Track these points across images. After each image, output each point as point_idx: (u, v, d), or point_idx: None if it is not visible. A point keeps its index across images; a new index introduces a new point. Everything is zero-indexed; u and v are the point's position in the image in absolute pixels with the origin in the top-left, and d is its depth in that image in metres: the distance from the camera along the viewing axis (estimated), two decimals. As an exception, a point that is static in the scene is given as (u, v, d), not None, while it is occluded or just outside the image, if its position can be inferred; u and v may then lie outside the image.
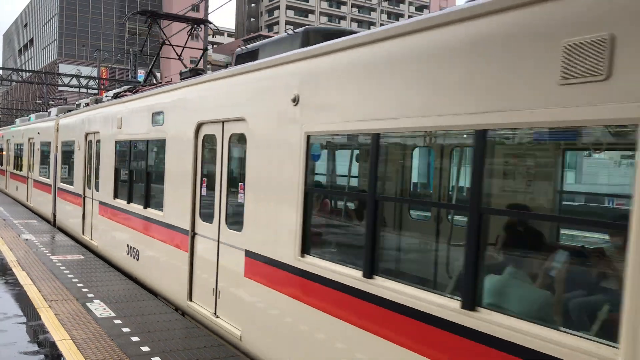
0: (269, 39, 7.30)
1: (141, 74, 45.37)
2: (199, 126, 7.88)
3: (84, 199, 14.04)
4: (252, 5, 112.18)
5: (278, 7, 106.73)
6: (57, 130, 17.26)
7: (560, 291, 4.07)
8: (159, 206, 9.20)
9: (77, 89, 41.64)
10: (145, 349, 6.47)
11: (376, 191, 4.59)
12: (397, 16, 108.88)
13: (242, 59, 7.41)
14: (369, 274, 4.55)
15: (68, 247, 12.95)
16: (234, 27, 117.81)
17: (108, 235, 12.02)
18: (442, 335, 3.87)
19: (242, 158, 6.78)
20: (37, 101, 58.51)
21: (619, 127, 3.19)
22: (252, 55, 7.21)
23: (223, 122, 7.27)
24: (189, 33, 14.97)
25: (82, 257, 11.85)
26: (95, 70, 53.31)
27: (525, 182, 5.05)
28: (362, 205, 5.21)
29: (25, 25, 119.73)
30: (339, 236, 5.86)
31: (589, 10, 3.10)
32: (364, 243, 4.64)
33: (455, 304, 3.80)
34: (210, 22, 14.04)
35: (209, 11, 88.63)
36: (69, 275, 10.03)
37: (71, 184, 15.31)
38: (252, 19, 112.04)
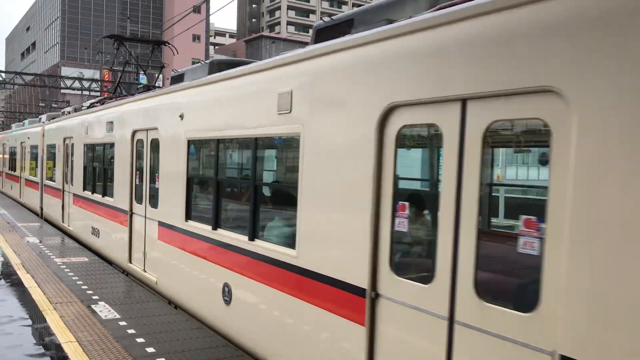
0: (190, 67, 9.53)
1: (143, 76, 45.47)
2: (133, 133, 10.62)
3: (63, 192, 16.82)
4: (254, 6, 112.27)
5: (279, 8, 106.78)
6: (43, 135, 20.05)
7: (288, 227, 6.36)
8: (112, 194, 11.93)
9: (79, 92, 41.75)
10: (150, 350, 6.49)
11: (218, 175, 7.61)
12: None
13: (174, 80, 9.76)
14: (214, 227, 7.49)
15: (72, 250, 12.98)
16: (235, 28, 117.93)
17: (80, 221, 14.80)
18: (237, 256, 6.87)
19: (158, 155, 9.49)
20: (40, 104, 58.66)
21: (293, 136, 5.87)
22: (180, 78, 9.53)
23: (147, 130, 10.00)
24: (151, 51, 18.51)
25: (86, 259, 11.88)
26: (97, 73, 53.44)
27: (275, 166, 7.59)
28: (211, 185, 7.82)
29: (28, 28, 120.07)
30: (201, 206, 8.36)
31: (285, 77, 5.97)
32: (212, 209, 7.61)
33: (245, 238, 6.69)
34: (170, 44, 16.47)
35: (211, 12, 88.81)
36: (74, 278, 10.05)
37: (54, 180, 18.13)
38: (254, 20, 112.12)
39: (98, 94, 41.68)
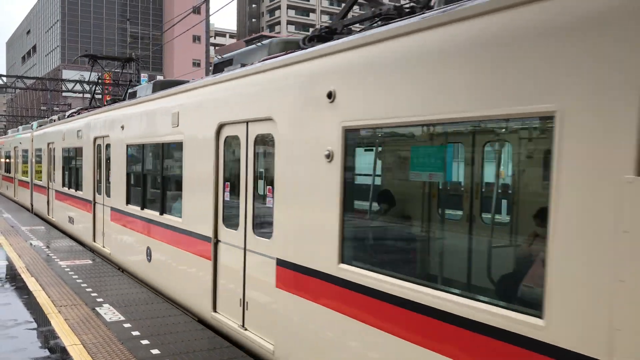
0: (140, 85, 11.54)
1: (144, 78, 45.49)
2: (95, 139, 13.37)
3: (48, 189, 19.47)
4: (254, 5, 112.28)
5: (279, 7, 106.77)
6: (32, 141, 22.73)
7: (179, 204, 8.73)
8: (80, 187, 14.98)
9: (80, 95, 41.80)
10: (155, 351, 6.50)
11: (143, 170, 10.25)
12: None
13: (130, 95, 12.10)
14: (142, 207, 10.19)
15: (76, 253, 13.01)
16: (235, 28, 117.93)
17: (61, 212, 17.49)
18: (154, 227, 9.44)
19: (109, 157, 12.23)
20: (42, 107, 58.74)
21: (180, 142, 8.50)
22: (134, 94, 11.69)
23: (104, 137, 12.73)
24: (122, 68, 21.39)
25: (90, 261, 11.91)
26: (98, 75, 53.41)
27: (173, 162, 9.23)
28: (140, 178, 10.60)
29: (28, 32, 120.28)
30: (136, 193, 10.48)
31: (175, 103, 8.59)
32: (140, 195, 10.27)
33: (157, 213, 9.41)
34: (138, 59, 18.04)
35: (211, 13, 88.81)
36: (78, 280, 10.08)
37: (41, 180, 20.87)
38: (254, 20, 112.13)
39: (99, 96, 41.71)
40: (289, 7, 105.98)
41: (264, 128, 6.35)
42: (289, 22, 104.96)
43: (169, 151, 9.23)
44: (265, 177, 6.66)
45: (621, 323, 2.92)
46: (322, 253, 5.20)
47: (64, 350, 6.46)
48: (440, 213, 4.91)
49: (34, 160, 22.15)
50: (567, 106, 3.18)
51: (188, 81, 9.39)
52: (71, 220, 16.00)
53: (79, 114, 16.55)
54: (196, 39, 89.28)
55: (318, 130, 5.33)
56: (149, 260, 9.85)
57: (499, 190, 4.47)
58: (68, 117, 17.88)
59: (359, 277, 4.75)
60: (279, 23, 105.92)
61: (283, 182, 5.86)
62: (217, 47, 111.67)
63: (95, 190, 13.46)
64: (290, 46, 6.95)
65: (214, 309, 7.44)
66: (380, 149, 5.21)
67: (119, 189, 11.49)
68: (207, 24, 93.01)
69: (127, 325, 7.48)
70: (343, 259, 4.99)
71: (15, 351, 6.45)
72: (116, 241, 11.76)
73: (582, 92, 3.11)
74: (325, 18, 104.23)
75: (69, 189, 16.22)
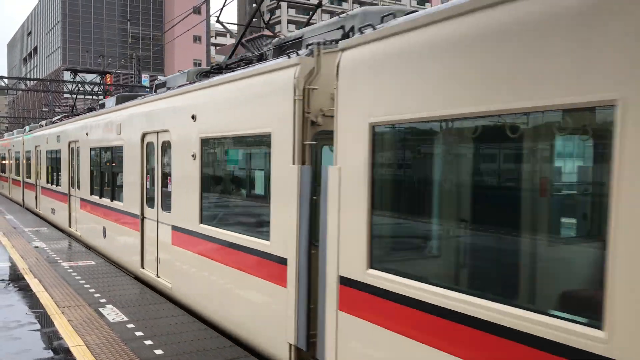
0: (107, 99, 14.54)
1: (145, 78, 45.50)
2: (69, 143, 16.45)
3: (36, 187, 22.58)
4: (254, 5, 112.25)
5: (279, 7, 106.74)
6: (23, 144, 25.87)
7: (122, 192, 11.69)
8: (59, 184, 17.99)
9: (82, 96, 41.80)
10: (158, 352, 6.51)
11: (101, 168, 13.17)
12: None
13: (100, 106, 14.91)
14: (100, 196, 13.21)
15: (79, 254, 13.03)
16: (236, 28, 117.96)
17: (45, 204, 20.62)
18: (107, 211, 12.59)
19: (79, 157, 15.20)
20: (43, 109, 58.78)
21: (122, 146, 11.66)
22: (103, 105, 14.60)
23: (75, 142, 15.74)
24: (101, 81, 22.71)
25: (93, 262, 11.93)
26: (99, 77, 53.47)
27: (118, 162, 12.02)
28: (98, 174, 13.58)
29: (29, 34, 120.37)
30: (96, 185, 13.92)
31: (118, 116, 11.93)
32: (99, 186, 13.57)
33: (109, 200, 12.46)
34: (111, 73, 19.76)
35: (211, 13, 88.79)
36: (81, 281, 10.09)
37: (30, 178, 24.05)
38: (254, 19, 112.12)
39: (101, 97, 41.74)
40: (290, 6, 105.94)
41: (166, 136, 9.31)
42: (289, 22, 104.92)
43: (116, 153, 12.08)
44: (166, 170, 9.56)
45: None
46: (191, 217, 8.25)
47: (67, 351, 6.47)
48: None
49: (24, 161, 25.56)
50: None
51: (141, 94, 12.87)
52: (53, 211, 19.24)
53: (61, 120, 19.81)
54: (197, 39, 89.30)
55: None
56: (105, 237, 12.91)
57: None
58: (53, 123, 21.22)
59: (209, 231, 7.71)
60: (279, 22, 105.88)
61: (174, 174, 8.91)
62: (217, 47, 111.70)
63: (70, 185, 16.48)
64: (125, 99, 11.30)
65: (142, 266, 10.48)
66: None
67: (85, 183, 14.67)
68: (208, 24, 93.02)
69: (130, 325, 7.48)
70: (202, 220, 7.94)
71: (19, 352, 6.46)
72: (84, 225, 14.94)
73: None
74: (326, 17, 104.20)
75: (51, 185, 19.29)
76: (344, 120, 5.00)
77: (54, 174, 18.90)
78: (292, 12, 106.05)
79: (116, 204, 11.98)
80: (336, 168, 5.06)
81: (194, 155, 8.14)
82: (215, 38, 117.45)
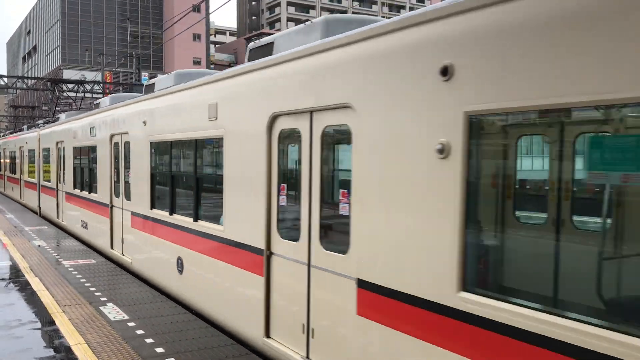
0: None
1: (145, 77, 45.45)
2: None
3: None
4: (253, 3, 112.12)
5: (279, 4, 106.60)
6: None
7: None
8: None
9: (82, 94, 41.77)
10: (160, 350, 6.51)
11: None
12: (399, 8, 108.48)
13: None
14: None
15: (79, 252, 13.03)
16: (235, 26, 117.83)
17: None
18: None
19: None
20: (43, 108, 58.75)
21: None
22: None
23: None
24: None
25: (93, 261, 11.93)
26: (99, 75, 53.49)
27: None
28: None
29: (28, 32, 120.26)
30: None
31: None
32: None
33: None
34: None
35: (210, 11, 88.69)
36: (82, 280, 10.09)
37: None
38: (254, 17, 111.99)
39: (100, 95, 41.73)
40: (289, 4, 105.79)
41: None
42: (289, 19, 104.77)
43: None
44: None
45: None
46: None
47: (68, 350, 6.48)
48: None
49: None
50: None
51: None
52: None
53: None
54: (196, 37, 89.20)
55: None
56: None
57: None
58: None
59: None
60: (279, 20, 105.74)
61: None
62: (217, 46, 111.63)
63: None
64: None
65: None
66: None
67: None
68: (207, 22, 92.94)
69: (131, 324, 7.49)
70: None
71: (21, 351, 6.46)
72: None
73: None
74: (326, 14, 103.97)
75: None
76: None
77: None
78: (292, 9, 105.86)
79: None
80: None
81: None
82: (215, 36, 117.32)
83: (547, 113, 3.36)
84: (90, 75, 59.43)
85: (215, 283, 7.43)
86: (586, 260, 3.41)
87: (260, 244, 6.27)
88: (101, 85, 39.98)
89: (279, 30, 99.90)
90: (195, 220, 8.24)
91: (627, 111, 3.00)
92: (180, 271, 8.72)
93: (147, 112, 10.02)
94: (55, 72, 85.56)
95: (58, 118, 20.93)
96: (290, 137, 5.95)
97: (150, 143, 9.83)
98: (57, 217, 18.47)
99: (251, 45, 7.25)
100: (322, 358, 5.36)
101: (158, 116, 9.53)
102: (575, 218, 3.80)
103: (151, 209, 9.89)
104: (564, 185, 3.64)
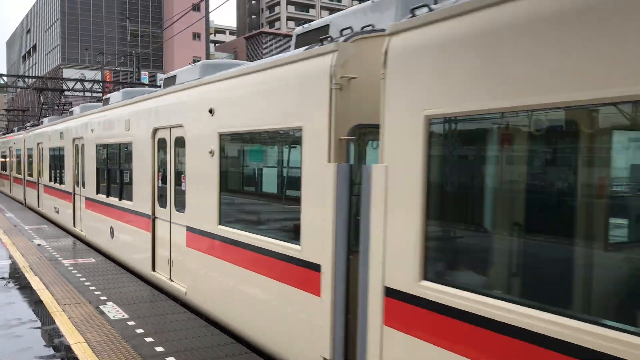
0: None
1: (145, 76, 45.48)
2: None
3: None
4: (253, 2, 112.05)
5: (279, 3, 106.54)
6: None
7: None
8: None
9: (81, 93, 41.76)
10: (159, 349, 6.52)
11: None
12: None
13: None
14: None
15: (80, 251, 13.04)
16: (235, 25, 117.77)
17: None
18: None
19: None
20: (43, 106, 58.71)
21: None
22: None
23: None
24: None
25: (93, 260, 11.93)
26: (99, 74, 53.47)
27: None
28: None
29: (28, 31, 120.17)
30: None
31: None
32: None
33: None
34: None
35: (210, 10, 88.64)
36: (81, 279, 10.09)
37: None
38: (253, 16, 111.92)
39: (100, 94, 41.73)
40: (289, 3, 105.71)
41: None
42: (288, 18, 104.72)
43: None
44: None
45: None
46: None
47: (68, 349, 6.48)
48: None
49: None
50: None
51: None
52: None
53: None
54: (196, 36, 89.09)
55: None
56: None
57: None
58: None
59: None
60: (278, 19, 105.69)
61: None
62: (217, 45, 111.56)
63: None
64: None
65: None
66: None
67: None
68: (207, 21, 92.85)
69: (131, 323, 7.50)
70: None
71: (21, 350, 6.47)
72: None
73: None
74: (325, 14, 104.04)
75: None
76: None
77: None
78: (292, 8, 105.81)
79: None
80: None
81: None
82: (215, 35, 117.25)
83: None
84: (90, 74, 59.39)
85: (131, 242, 11.06)
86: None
87: (149, 212, 10.00)
88: (101, 84, 39.98)
89: (278, 29, 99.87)
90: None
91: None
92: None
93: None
94: (55, 71, 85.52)
95: (42, 122, 23.51)
96: (162, 142, 9.56)
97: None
98: (38, 206, 21.83)
99: (164, 76, 10.56)
100: (175, 277, 9.02)
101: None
102: None
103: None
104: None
